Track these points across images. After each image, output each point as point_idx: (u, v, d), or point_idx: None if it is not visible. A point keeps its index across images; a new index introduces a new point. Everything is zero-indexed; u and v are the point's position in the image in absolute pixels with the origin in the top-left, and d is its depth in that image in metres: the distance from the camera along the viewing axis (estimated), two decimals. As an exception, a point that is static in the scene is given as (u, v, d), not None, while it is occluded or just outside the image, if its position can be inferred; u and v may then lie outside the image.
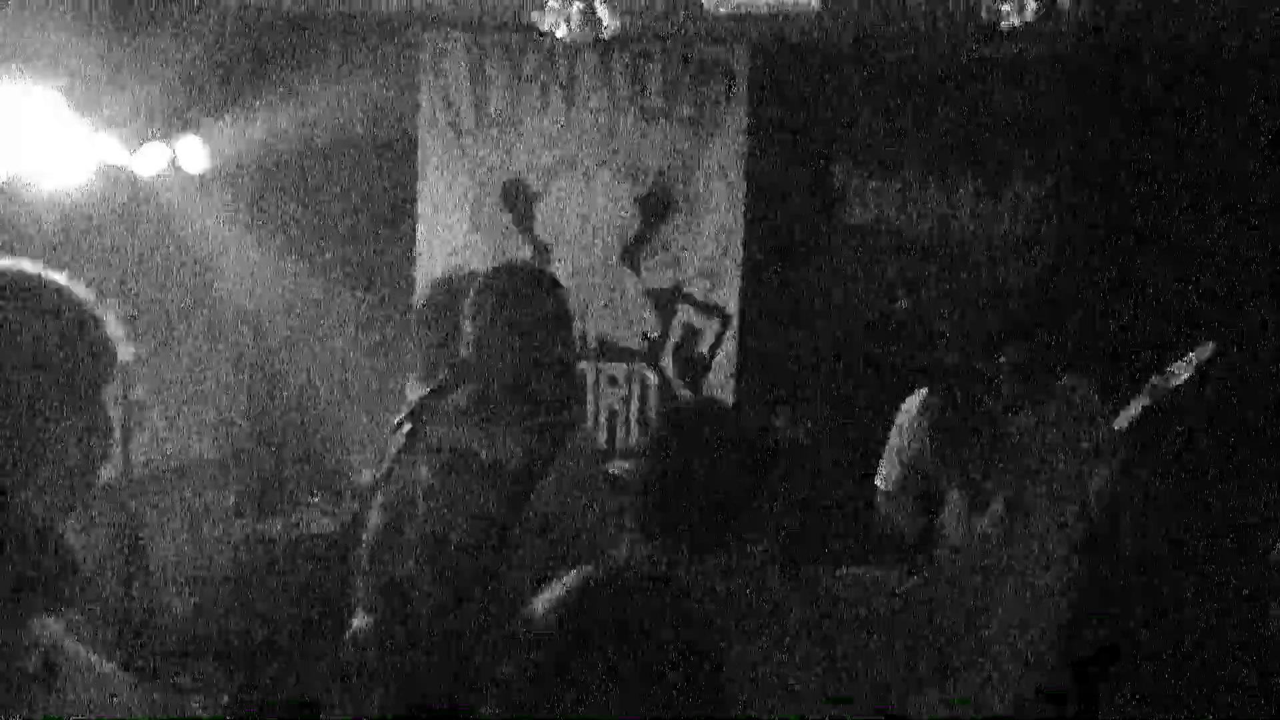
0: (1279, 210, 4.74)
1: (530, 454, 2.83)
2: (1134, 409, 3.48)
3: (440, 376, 2.85)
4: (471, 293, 2.85)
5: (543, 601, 1.36)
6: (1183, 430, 4.45)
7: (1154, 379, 3.50)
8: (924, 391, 3.86)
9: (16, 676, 1.21)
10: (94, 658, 1.39)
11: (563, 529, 2.80)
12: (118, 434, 1.21)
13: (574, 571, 1.38)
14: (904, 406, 3.89)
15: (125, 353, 1.35)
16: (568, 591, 1.36)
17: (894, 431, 3.90)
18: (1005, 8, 3.41)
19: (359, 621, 3.00)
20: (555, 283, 2.99)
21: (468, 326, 2.83)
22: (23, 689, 1.22)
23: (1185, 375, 3.47)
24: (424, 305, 3.30)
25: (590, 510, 2.83)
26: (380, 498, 3.08)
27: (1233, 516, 4.64)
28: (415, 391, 3.38)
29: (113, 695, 1.37)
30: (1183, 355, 3.50)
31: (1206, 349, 3.47)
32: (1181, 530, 4.63)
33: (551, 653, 1.31)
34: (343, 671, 2.98)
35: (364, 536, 3.12)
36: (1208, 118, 4.69)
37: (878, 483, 3.89)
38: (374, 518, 3.10)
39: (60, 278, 1.33)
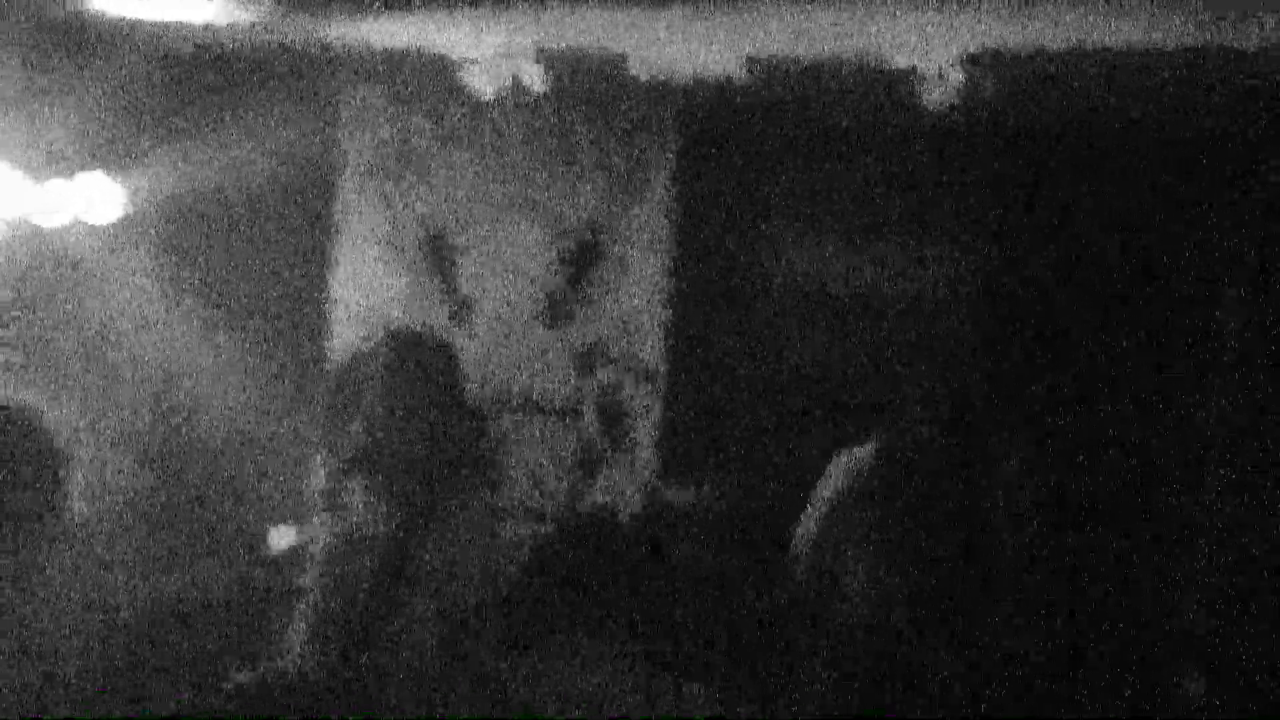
0: (1189, 272, 4.89)
1: (425, 529, 2.86)
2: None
3: (349, 452, 2.84)
4: (368, 374, 2.87)
5: None
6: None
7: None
8: (850, 452, 3.87)
9: None
10: None
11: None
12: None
13: None
14: (829, 466, 3.90)
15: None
16: None
17: (814, 491, 3.91)
18: (929, 87, 3.47)
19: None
20: (451, 353, 3.01)
21: (366, 408, 2.84)
22: None
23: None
24: (326, 386, 3.35)
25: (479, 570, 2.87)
26: (307, 567, 3.09)
27: (1131, 580, 4.73)
28: (325, 465, 3.38)
29: None
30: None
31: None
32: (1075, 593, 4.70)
33: None
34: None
35: (300, 604, 3.11)
36: (1123, 190, 4.86)
37: (791, 545, 3.88)
38: (310, 586, 3.10)
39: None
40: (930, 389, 3.82)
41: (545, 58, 3.83)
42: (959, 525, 3.67)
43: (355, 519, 2.92)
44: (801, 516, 3.84)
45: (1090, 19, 3.16)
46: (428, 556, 2.87)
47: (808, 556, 3.76)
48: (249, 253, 4.67)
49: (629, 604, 1.87)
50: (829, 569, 3.74)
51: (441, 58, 4.04)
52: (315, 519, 2.72)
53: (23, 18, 3.98)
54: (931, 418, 3.72)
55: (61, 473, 1.67)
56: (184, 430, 4.62)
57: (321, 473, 3.30)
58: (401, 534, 2.86)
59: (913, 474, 3.69)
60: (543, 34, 3.69)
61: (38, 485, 1.67)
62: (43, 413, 1.62)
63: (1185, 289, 4.89)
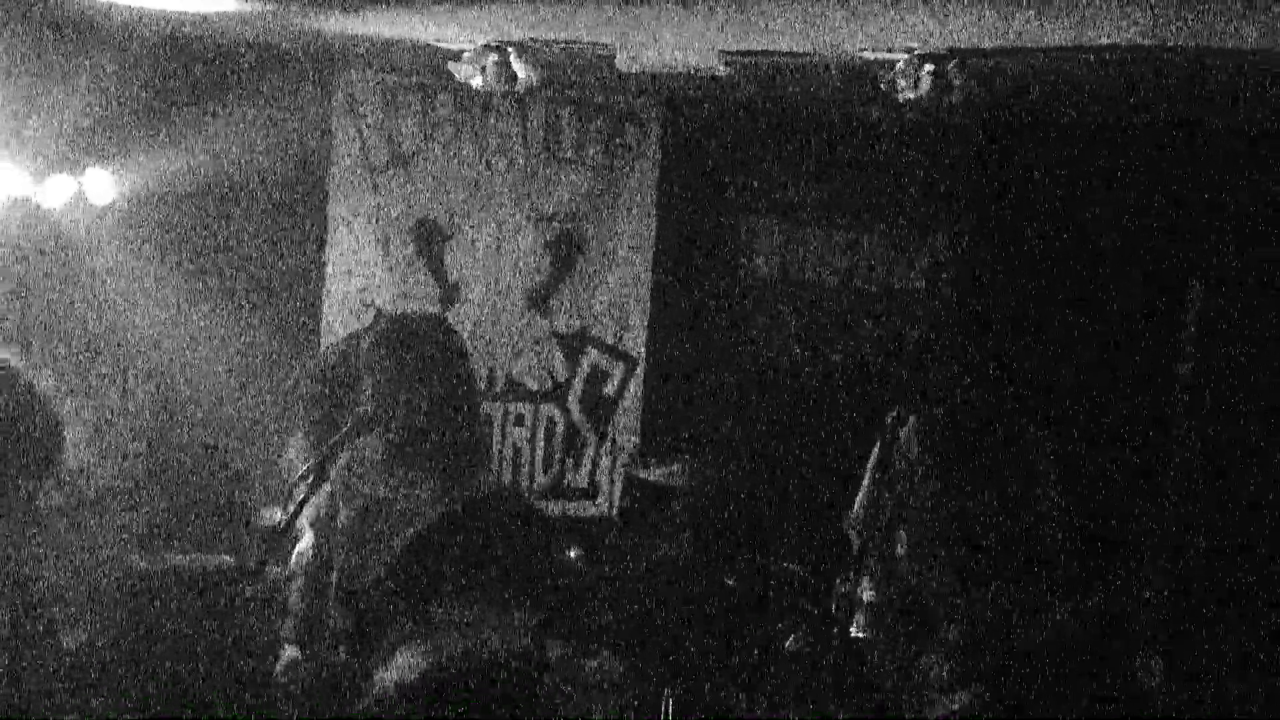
0: (1156, 264, 5.01)
1: (440, 500, 2.94)
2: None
3: (344, 428, 2.92)
4: (367, 346, 2.95)
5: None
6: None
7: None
8: (911, 418, 3.96)
9: None
10: None
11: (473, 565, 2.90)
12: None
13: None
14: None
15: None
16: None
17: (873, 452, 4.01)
18: (901, 82, 3.57)
19: (291, 652, 3.11)
20: (450, 329, 3.12)
21: (367, 379, 2.93)
22: None
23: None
24: (317, 365, 3.40)
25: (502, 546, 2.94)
26: (305, 543, 3.19)
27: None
28: (298, 445, 3.45)
29: None
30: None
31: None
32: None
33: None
34: (275, 698, 3.06)
35: (289, 578, 3.21)
36: (1091, 181, 4.99)
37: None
38: (300, 561, 3.20)
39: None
40: (954, 371, 3.92)
41: (533, 50, 3.92)
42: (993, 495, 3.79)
43: (391, 495, 2.98)
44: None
45: (1059, 17, 3.26)
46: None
47: (859, 529, 3.90)
48: (243, 238, 4.73)
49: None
50: (881, 538, 3.87)
51: (432, 49, 4.12)
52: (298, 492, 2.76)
53: (20, 9, 4.05)
54: (953, 398, 3.84)
55: (57, 425, 1.89)
56: (178, 409, 4.70)
57: (295, 451, 3.38)
58: (441, 509, 2.92)
59: (941, 446, 3.82)
60: (531, 27, 3.78)
61: (38, 435, 1.89)
62: (36, 374, 1.83)
63: (1155, 278, 5.01)
